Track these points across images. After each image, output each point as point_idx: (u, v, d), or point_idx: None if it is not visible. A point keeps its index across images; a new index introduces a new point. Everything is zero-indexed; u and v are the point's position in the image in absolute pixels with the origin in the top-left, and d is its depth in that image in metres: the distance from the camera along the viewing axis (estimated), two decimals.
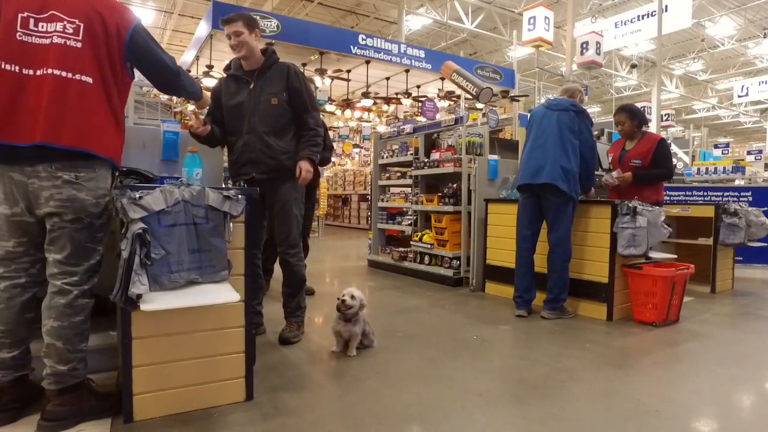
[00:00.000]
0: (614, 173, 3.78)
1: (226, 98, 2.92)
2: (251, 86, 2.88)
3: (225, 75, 3.06)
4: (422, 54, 10.51)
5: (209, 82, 9.57)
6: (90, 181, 1.81)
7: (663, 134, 12.50)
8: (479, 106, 6.72)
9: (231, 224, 1.94)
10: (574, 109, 3.75)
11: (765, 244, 5.33)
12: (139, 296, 1.65)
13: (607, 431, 1.96)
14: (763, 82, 16.60)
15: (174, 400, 1.96)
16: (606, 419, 2.06)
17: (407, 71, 10.65)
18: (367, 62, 9.96)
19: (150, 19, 15.23)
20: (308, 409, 2.09)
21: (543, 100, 4.55)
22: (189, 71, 10.78)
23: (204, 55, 9.37)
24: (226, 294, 1.81)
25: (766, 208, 5.32)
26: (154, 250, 1.72)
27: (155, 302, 1.67)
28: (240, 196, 1.94)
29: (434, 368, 2.65)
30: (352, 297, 2.70)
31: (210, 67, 9.31)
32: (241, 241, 2.07)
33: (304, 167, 2.85)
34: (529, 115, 4.17)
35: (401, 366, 2.67)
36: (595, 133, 6.97)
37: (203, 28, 9.01)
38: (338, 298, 2.72)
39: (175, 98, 8.03)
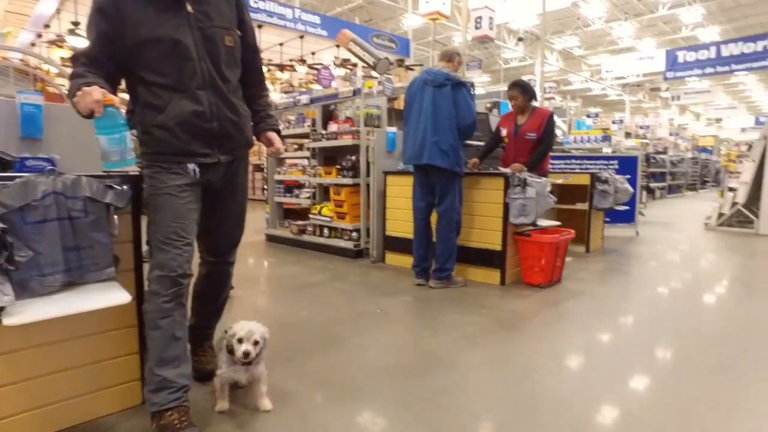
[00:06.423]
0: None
1: (139, 27, 1.69)
2: (188, 9, 1.76)
3: None
4: (317, 20, 10.18)
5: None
6: None
7: (546, 105, 13.51)
8: (375, 74, 6.71)
9: (116, 216, 1.72)
10: (450, 83, 3.74)
11: (627, 207, 6.11)
12: (2, 309, 1.41)
13: (504, 392, 2.13)
14: (623, 59, 18.53)
15: (53, 417, 1.74)
16: (503, 381, 2.24)
17: (302, 37, 10.27)
18: (259, 26, 9.41)
19: None
20: (208, 399, 1.99)
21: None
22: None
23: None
24: (113, 295, 1.62)
25: (629, 176, 6.05)
26: (19, 252, 1.48)
27: (23, 314, 1.42)
28: (125, 186, 1.72)
29: (340, 346, 2.67)
30: (256, 343, 1.88)
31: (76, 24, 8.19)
32: (129, 233, 1.87)
33: (277, 140, 2.12)
34: (407, 84, 4.10)
35: (306, 346, 2.65)
36: (488, 105, 7.31)
37: None
38: (231, 345, 1.88)
39: (32, 61, 6.95)
